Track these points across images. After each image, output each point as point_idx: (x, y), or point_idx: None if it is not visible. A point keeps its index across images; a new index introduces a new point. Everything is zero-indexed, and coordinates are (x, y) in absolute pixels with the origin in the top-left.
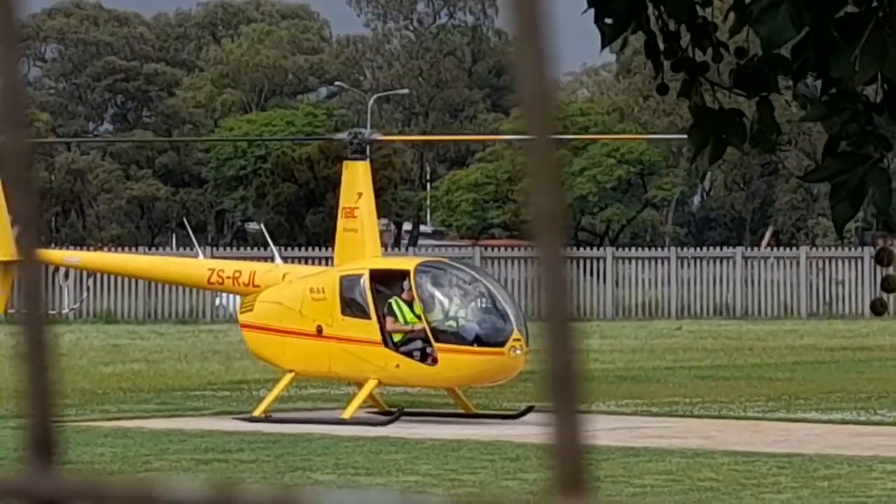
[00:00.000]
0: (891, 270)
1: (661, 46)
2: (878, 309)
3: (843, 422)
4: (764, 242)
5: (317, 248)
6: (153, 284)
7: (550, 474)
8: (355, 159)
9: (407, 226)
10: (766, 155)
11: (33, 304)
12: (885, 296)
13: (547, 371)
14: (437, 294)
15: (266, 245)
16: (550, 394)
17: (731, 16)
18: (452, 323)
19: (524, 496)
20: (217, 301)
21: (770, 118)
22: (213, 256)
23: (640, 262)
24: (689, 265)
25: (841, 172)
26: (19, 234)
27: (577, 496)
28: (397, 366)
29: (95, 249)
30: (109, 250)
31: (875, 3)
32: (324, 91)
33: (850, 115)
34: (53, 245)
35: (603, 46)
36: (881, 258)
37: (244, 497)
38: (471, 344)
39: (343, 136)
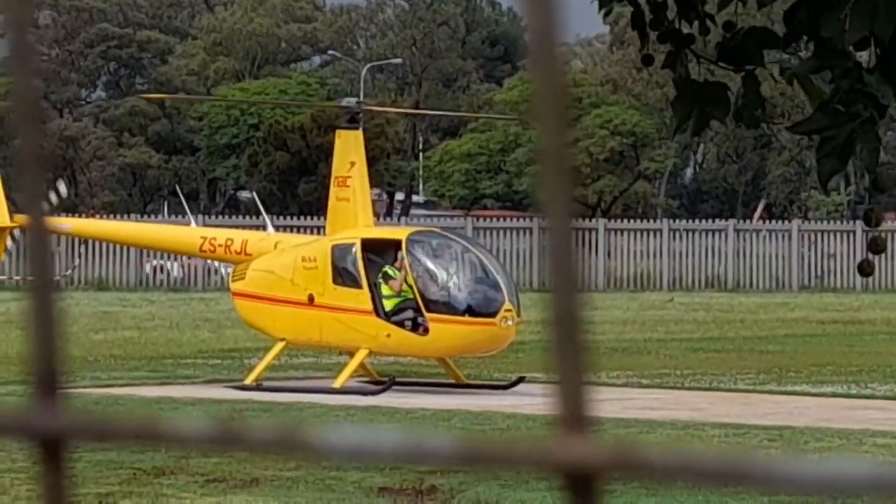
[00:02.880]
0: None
1: (648, 17)
2: (865, 270)
3: (834, 395)
4: (756, 215)
5: (309, 217)
6: (145, 252)
7: (553, 413)
8: (348, 128)
9: (399, 195)
10: (759, 127)
11: (42, 270)
12: (872, 257)
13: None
14: (429, 264)
15: (258, 214)
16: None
17: None
18: (444, 293)
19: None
20: (223, 269)
21: (755, 93)
22: (205, 224)
23: (632, 234)
24: (681, 237)
25: (830, 127)
26: (27, 200)
27: (579, 434)
28: (388, 335)
29: (87, 216)
30: (101, 217)
31: None
32: (317, 60)
33: (840, 72)
34: None
35: (601, 7)
36: (869, 219)
37: (250, 434)
38: (462, 314)
39: (350, 101)
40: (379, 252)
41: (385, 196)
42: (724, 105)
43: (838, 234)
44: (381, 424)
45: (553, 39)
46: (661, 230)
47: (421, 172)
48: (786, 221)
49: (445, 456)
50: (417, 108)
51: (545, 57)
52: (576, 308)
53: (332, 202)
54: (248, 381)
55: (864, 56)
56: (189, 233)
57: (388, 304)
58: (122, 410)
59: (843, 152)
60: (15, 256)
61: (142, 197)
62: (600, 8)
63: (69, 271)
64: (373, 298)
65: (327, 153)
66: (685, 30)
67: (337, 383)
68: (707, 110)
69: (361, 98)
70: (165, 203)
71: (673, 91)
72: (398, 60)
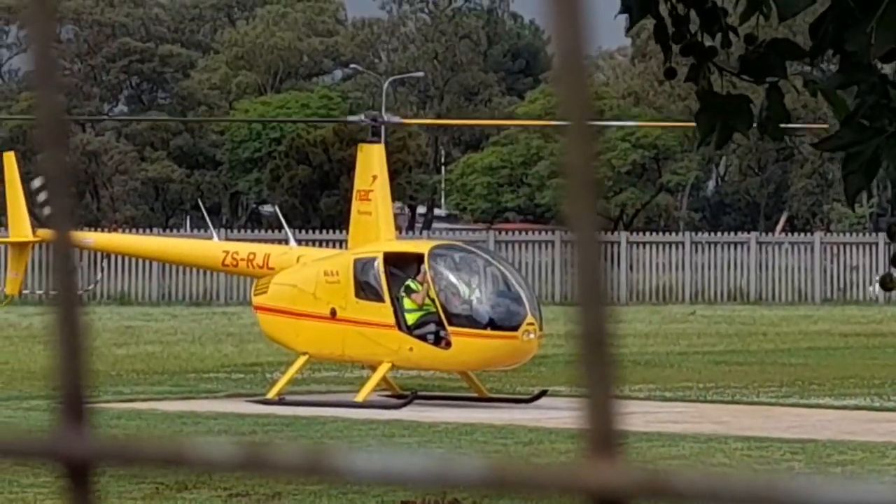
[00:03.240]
0: None
1: (671, 30)
2: (887, 285)
3: (857, 408)
4: (778, 228)
5: (331, 231)
6: (167, 266)
7: (582, 436)
8: (370, 142)
9: (421, 209)
10: (782, 140)
11: (68, 284)
12: (894, 271)
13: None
14: (451, 277)
15: (280, 227)
16: (582, 352)
17: (742, 1)
18: (466, 306)
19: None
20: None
21: (779, 105)
22: (227, 239)
23: (654, 247)
24: (703, 250)
25: (855, 143)
26: (52, 213)
27: (609, 459)
28: (411, 349)
29: (110, 231)
30: (124, 232)
31: None
32: (339, 74)
33: (866, 88)
34: None
35: (632, 25)
36: (893, 233)
37: (276, 458)
38: (484, 328)
39: (360, 118)
40: (401, 266)
41: (407, 210)
42: (747, 117)
43: (861, 247)
44: (404, 439)
45: (579, 53)
46: (683, 243)
47: (443, 186)
48: (808, 234)
49: (472, 480)
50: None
51: (571, 70)
52: (603, 322)
53: (354, 216)
54: (271, 395)
55: (887, 69)
56: (211, 247)
57: (411, 318)
58: (147, 429)
59: (869, 168)
60: (38, 270)
61: (164, 211)
62: (631, 25)
63: (91, 286)
64: (395, 312)
65: (349, 167)
66: (707, 42)
67: (359, 397)
68: (730, 123)
69: (384, 111)
70: (188, 217)
71: (695, 103)
72: (420, 74)
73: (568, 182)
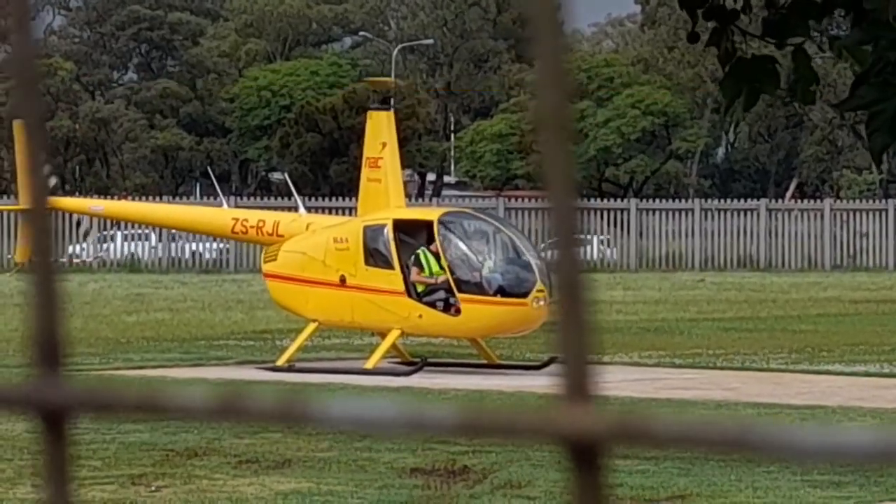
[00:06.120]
0: None
1: None
2: None
3: (867, 374)
4: (788, 194)
5: (341, 199)
6: (177, 233)
7: (557, 384)
8: (379, 109)
9: (431, 176)
10: (791, 107)
11: (44, 251)
12: None
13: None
14: (461, 245)
15: (290, 195)
16: (559, 301)
17: None
18: (476, 273)
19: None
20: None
21: (807, 67)
22: (237, 206)
23: (663, 214)
24: (712, 217)
25: (878, 101)
26: (28, 180)
27: (583, 405)
28: (420, 316)
29: (119, 198)
30: (133, 199)
31: None
32: (348, 41)
33: (887, 43)
34: (77, 193)
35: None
36: None
37: (251, 405)
38: (494, 295)
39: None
40: (411, 233)
41: (417, 177)
42: (775, 79)
43: (871, 213)
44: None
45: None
46: (692, 210)
47: (452, 153)
48: (818, 201)
49: (448, 426)
50: (449, 89)
51: (547, 28)
52: (577, 268)
53: (363, 183)
54: (280, 362)
55: None
56: (221, 214)
57: (420, 285)
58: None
59: (893, 125)
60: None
61: (173, 179)
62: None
63: (101, 253)
64: (405, 279)
65: (359, 134)
66: (729, 6)
67: (369, 364)
68: (757, 86)
69: (393, 79)
70: (197, 185)
71: (705, 70)
72: (429, 41)
73: (543, 144)
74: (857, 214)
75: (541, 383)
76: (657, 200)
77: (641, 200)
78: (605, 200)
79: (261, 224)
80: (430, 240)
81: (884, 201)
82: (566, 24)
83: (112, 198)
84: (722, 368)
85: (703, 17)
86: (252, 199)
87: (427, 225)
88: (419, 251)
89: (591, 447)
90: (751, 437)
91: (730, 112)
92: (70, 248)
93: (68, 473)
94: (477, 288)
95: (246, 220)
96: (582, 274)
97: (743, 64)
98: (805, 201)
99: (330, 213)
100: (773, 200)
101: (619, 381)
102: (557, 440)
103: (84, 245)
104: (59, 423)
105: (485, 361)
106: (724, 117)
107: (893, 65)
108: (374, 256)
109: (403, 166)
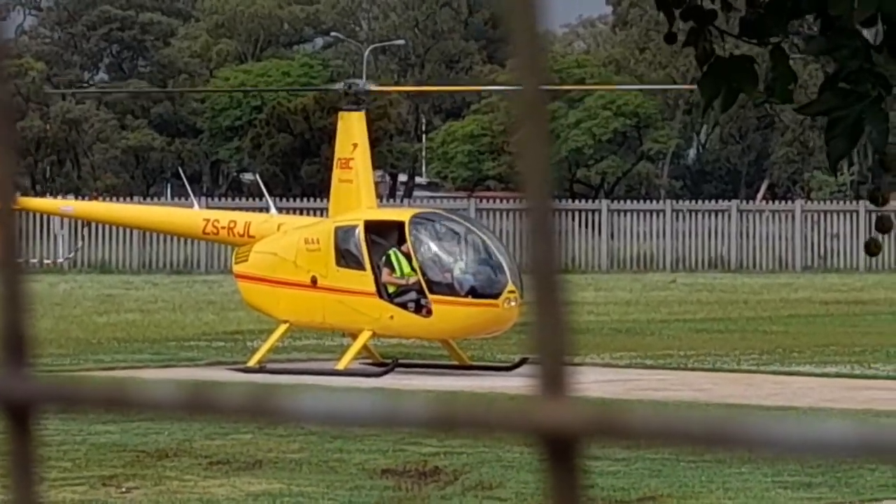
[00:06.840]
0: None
1: None
2: (871, 249)
3: (838, 375)
4: (759, 196)
5: (312, 199)
6: (148, 234)
7: (533, 379)
8: (350, 110)
9: (402, 177)
10: (762, 108)
11: (9, 253)
12: (879, 236)
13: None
14: (432, 245)
15: (261, 196)
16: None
17: None
18: (447, 274)
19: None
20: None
21: (786, 66)
22: (208, 207)
23: (635, 215)
24: (684, 218)
25: (839, 108)
26: None
27: (559, 398)
28: (391, 317)
29: (90, 199)
30: (104, 200)
31: None
32: (320, 42)
33: (849, 52)
34: (48, 194)
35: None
36: (875, 198)
37: (221, 400)
38: (465, 296)
39: (338, 86)
40: (382, 234)
41: (388, 178)
42: (753, 79)
43: (842, 215)
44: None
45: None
46: (664, 211)
47: (424, 154)
48: (789, 202)
49: (422, 421)
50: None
51: (524, 26)
52: (553, 261)
53: (334, 184)
54: (252, 363)
55: (868, 34)
56: (192, 215)
57: (391, 286)
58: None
59: (852, 133)
60: (32, 238)
61: (144, 179)
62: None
63: (72, 254)
64: (376, 280)
65: (330, 135)
66: (707, 6)
67: (340, 365)
68: (735, 85)
69: (364, 79)
70: (168, 185)
71: (675, 71)
72: (401, 42)
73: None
74: (828, 216)
75: (512, 384)
76: (628, 201)
77: (613, 201)
78: (577, 201)
79: (232, 225)
80: (402, 241)
81: (855, 202)
82: (542, 22)
83: (83, 198)
84: (693, 369)
85: (680, 18)
86: (223, 199)
87: (398, 226)
88: (390, 252)
89: (567, 441)
90: (731, 430)
91: (707, 112)
92: (40, 250)
93: (35, 469)
94: (448, 289)
95: (217, 220)
96: (558, 269)
97: (721, 63)
98: (776, 202)
99: (301, 213)
100: (745, 201)
101: (591, 381)
102: (534, 434)
103: (59, 250)
104: (24, 417)
105: (456, 362)
106: (702, 117)
107: (856, 73)
108: (346, 257)
109: (375, 167)
